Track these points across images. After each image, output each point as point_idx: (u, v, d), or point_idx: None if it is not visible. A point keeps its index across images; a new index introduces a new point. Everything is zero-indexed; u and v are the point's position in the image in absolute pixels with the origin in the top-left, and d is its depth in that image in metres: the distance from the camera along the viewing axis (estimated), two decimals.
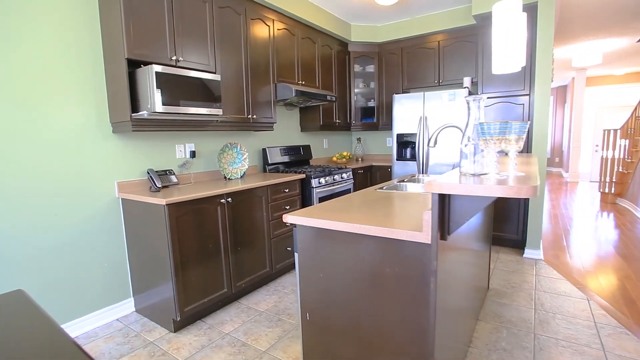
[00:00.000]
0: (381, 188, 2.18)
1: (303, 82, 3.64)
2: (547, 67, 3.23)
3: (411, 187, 2.38)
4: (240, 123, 2.93)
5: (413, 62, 4.37)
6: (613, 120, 8.65)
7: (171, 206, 2.08)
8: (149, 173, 2.47)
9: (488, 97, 3.70)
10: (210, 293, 2.38)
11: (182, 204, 2.15)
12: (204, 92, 2.42)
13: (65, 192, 2.15)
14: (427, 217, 1.11)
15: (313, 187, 3.16)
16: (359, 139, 5.01)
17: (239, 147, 3.09)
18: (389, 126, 4.62)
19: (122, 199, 2.41)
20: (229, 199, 2.46)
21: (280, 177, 2.96)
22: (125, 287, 2.50)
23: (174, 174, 2.67)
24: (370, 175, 4.46)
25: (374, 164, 4.44)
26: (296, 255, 1.55)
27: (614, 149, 6.01)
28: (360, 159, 4.91)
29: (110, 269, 2.40)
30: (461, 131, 2.16)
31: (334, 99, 3.74)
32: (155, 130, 2.34)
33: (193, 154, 2.86)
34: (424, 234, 1.13)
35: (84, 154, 2.23)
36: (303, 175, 3.17)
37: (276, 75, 3.27)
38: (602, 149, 6.18)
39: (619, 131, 6.04)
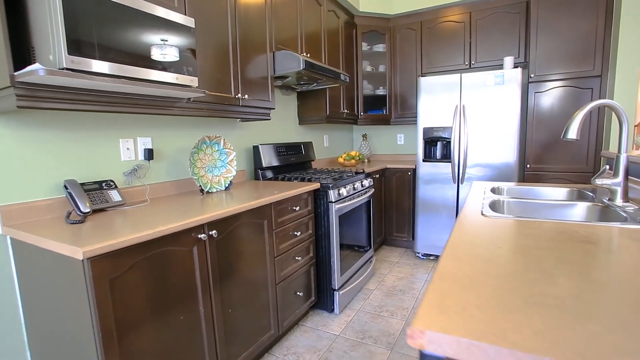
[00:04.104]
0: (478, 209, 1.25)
1: (308, 55, 2.65)
2: (636, 35, 2.46)
3: (548, 212, 1.46)
4: (223, 106, 1.89)
5: (435, 40, 3.51)
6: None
7: (97, 261, 1.03)
8: (66, 188, 1.39)
9: (544, 81, 2.90)
10: None
11: (120, 254, 1.10)
12: (166, 47, 1.38)
13: None
14: None
15: (331, 202, 2.18)
16: (364, 136, 4.08)
17: (222, 144, 2.05)
18: (405, 119, 3.73)
19: (11, 238, 1.32)
20: (213, 231, 1.43)
21: (286, 189, 1.96)
22: None
23: (116, 187, 1.60)
24: (385, 181, 3.54)
25: (388, 166, 3.52)
26: None
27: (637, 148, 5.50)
28: (367, 160, 3.98)
29: None
30: (618, 109, 1.30)
31: (347, 79, 2.79)
32: (71, 108, 1.26)
33: (150, 154, 1.80)
34: None
35: None
36: (317, 185, 2.19)
37: (274, 41, 2.27)
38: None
39: None
